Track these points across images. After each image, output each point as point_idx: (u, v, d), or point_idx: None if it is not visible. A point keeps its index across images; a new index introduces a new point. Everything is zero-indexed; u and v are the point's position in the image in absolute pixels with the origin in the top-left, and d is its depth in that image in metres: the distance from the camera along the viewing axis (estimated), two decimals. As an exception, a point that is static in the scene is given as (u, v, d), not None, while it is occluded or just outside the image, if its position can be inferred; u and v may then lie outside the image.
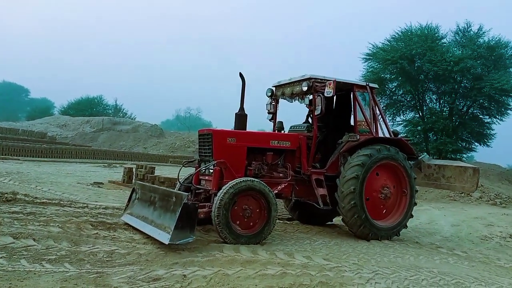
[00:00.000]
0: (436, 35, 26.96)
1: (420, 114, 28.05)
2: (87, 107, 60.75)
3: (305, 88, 7.48)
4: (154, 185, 7.02)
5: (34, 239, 5.44)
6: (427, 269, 5.76)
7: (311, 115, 8.43)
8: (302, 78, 7.70)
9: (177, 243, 5.51)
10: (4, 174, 11.86)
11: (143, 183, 7.63)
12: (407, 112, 29.17)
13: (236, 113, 7.48)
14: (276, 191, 7.07)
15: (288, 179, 7.29)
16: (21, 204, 7.52)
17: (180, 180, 7.34)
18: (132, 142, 44.76)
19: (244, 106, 7.41)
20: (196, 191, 7.14)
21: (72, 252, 5.20)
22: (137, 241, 5.96)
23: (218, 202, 6.05)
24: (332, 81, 7.29)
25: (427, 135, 27.74)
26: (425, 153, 9.81)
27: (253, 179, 6.49)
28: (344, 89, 8.05)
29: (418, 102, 28.24)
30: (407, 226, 8.06)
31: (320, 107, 7.31)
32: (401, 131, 28.22)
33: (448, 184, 8.58)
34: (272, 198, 6.41)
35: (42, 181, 11.33)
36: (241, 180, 6.28)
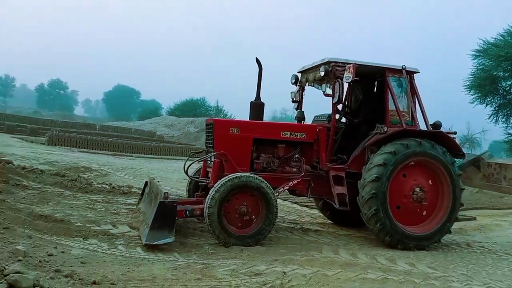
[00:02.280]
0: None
1: (540, 115, 25.33)
2: (191, 108, 64.15)
3: (322, 73, 6.60)
4: (155, 181, 6.73)
5: (147, 229, 5.93)
6: (548, 286, 5.21)
7: (346, 104, 7.83)
8: (322, 61, 6.83)
9: (153, 243, 5.16)
10: (120, 169, 13.00)
11: (153, 178, 7.28)
12: (524, 113, 26.52)
13: (251, 102, 6.94)
14: (287, 187, 6.58)
15: (302, 174, 6.65)
16: (136, 197, 8.20)
17: (189, 174, 6.90)
18: (231, 141, 46.18)
19: (260, 95, 6.91)
20: (199, 183, 6.76)
21: (180, 243, 5.59)
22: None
23: (209, 200, 5.59)
24: (351, 65, 6.38)
25: (549, 138, 24.96)
26: (487, 151, 8.53)
27: (249, 174, 5.94)
28: (378, 74, 7.10)
29: (538, 102, 25.54)
30: (451, 232, 6.91)
31: (338, 94, 6.49)
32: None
33: (509, 187, 7.27)
34: (271, 195, 5.85)
35: (152, 176, 12.22)
36: (235, 176, 5.75)
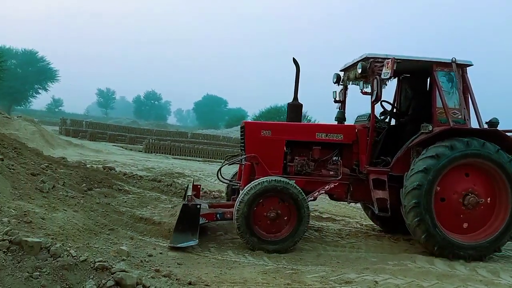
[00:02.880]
0: None
1: None
2: (275, 115, 64.69)
3: (359, 70, 6.16)
4: (191, 184, 6.74)
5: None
6: None
7: (395, 104, 7.27)
8: (361, 58, 6.39)
9: (177, 246, 5.17)
10: (210, 175, 13.52)
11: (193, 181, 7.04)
12: None
13: (289, 103, 6.76)
14: (323, 191, 6.24)
15: (339, 177, 6.29)
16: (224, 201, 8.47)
17: (227, 178, 6.89)
18: (317, 147, 45.97)
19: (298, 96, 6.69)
20: (233, 187, 6.72)
21: (269, 248, 5.67)
22: (327, 243, 6.16)
23: (238, 203, 5.50)
24: (390, 60, 5.87)
25: None
26: None
27: (279, 178, 5.73)
28: (423, 69, 6.47)
29: None
30: (511, 239, 6.01)
31: (376, 92, 6.01)
32: None
33: None
34: (302, 200, 5.60)
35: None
36: (265, 180, 5.61)
